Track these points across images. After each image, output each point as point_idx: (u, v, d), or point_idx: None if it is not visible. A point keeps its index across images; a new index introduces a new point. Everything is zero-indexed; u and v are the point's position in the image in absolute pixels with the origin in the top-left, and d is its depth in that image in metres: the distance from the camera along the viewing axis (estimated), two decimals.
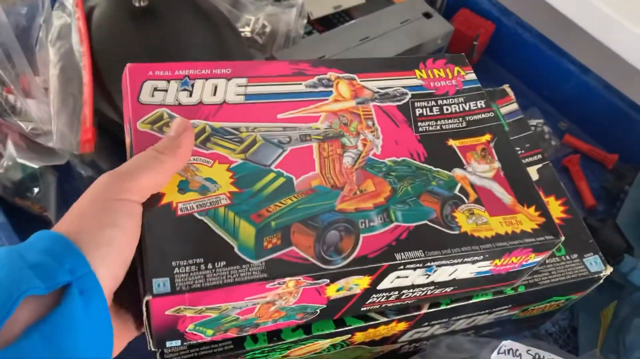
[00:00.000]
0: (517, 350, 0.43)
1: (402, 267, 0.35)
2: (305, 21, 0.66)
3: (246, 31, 0.67)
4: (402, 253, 0.35)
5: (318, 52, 0.63)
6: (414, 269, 0.36)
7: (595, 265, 0.44)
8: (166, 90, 0.39)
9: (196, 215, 0.34)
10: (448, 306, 0.42)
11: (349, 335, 0.41)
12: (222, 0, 0.68)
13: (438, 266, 0.36)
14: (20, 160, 0.51)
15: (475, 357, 0.44)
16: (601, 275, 0.44)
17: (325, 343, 0.42)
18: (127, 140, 0.38)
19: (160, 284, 0.32)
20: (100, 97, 0.55)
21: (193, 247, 0.33)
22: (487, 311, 0.45)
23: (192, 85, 0.40)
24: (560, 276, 0.43)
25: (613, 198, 0.65)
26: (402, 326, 0.43)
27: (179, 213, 0.34)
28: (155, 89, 0.39)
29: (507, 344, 0.43)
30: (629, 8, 0.61)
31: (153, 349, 0.36)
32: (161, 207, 0.34)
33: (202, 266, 0.33)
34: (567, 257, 0.44)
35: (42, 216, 0.56)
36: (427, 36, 0.67)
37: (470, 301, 0.42)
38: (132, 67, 0.39)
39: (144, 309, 0.33)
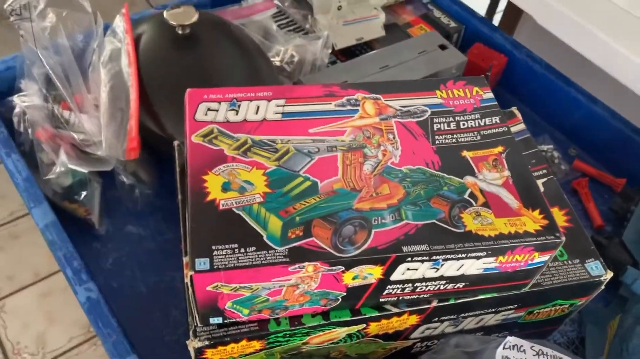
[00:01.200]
0: (521, 346, 0.46)
1: (409, 259, 0.40)
2: (329, 51, 0.72)
3: (276, 60, 0.73)
4: (408, 246, 0.39)
5: (341, 79, 0.68)
6: (422, 262, 0.40)
7: (596, 269, 0.48)
8: (217, 110, 0.45)
9: (234, 209, 0.40)
10: (456, 302, 0.46)
11: (364, 325, 0.46)
12: (256, 33, 0.75)
13: (444, 260, 0.40)
14: (71, 166, 0.57)
15: (482, 351, 0.48)
16: (602, 279, 0.48)
17: (341, 332, 0.46)
18: (186, 150, 0.44)
19: (202, 263, 0.37)
20: (144, 113, 0.61)
21: (230, 235, 0.39)
22: (493, 310, 0.49)
23: (239, 106, 0.46)
24: (562, 278, 0.47)
25: (620, 219, 0.68)
26: (414, 319, 0.47)
27: (221, 208, 0.40)
28: (209, 109, 0.45)
29: (511, 340, 0.46)
30: (631, 40, 0.66)
31: (199, 324, 0.41)
32: (206, 202, 0.40)
33: (236, 250, 0.38)
34: (569, 262, 0.48)
35: (87, 218, 0.62)
36: (443, 66, 0.72)
37: (477, 298, 0.46)
38: (191, 91, 0.46)
39: (189, 287, 0.38)
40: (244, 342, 0.43)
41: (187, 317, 0.43)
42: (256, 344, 0.44)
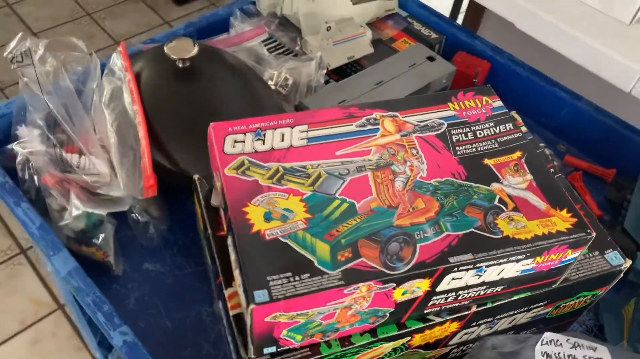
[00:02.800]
0: (557, 340, 0.48)
1: (455, 269, 0.41)
2: (324, 71, 0.74)
3: (270, 84, 0.74)
4: (454, 257, 0.41)
5: (339, 97, 0.70)
6: (466, 270, 0.42)
7: (616, 259, 0.51)
8: (244, 141, 0.46)
9: (280, 238, 0.41)
10: (494, 304, 0.47)
11: (409, 338, 0.47)
12: (247, 58, 0.75)
13: (487, 266, 0.42)
14: (88, 210, 0.57)
15: (521, 349, 0.50)
16: (622, 267, 0.50)
17: (388, 347, 0.47)
18: (218, 184, 0.44)
19: (261, 295, 0.37)
20: (153, 148, 0.61)
21: (282, 264, 0.39)
22: (525, 308, 0.50)
23: (264, 135, 0.46)
24: (587, 271, 0.49)
25: (616, 208, 0.72)
26: (454, 326, 0.48)
27: (267, 238, 0.40)
28: (235, 141, 0.46)
29: (548, 335, 0.48)
30: (610, 38, 0.70)
31: (252, 356, 0.41)
32: (252, 234, 0.40)
33: (291, 279, 0.38)
34: (590, 255, 0.51)
35: (104, 261, 0.61)
36: (433, 76, 0.75)
37: (512, 299, 0.48)
38: (214, 125, 0.46)
39: (248, 319, 0.38)
40: None
41: (230, 349, 0.43)
42: None
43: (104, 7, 2.26)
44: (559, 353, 0.48)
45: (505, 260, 0.42)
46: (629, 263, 0.51)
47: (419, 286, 0.41)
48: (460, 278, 0.42)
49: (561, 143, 0.80)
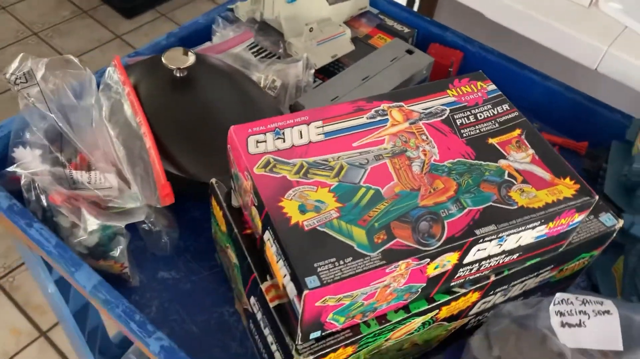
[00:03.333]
0: (568, 299, 0.53)
1: (481, 240, 0.45)
2: (313, 71, 0.76)
3: None
4: (480, 229, 0.44)
5: (331, 95, 0.73)
6: (490, 241, 0.45)
7: (609, 220, 0.55)
8: (265, 141, 0.48)
9: (318, 228, 0.43)
10: (510, 272, 0.51)
11: (437, 311, 0.50)
12: (234, 63, 0.77)
13: (508, 235, 0.46)
14: (106, 223, 0.57)
15: (536, 312, 0.54)
16: (615, 227, 0.55)
17: (418, 321, 0.50)
18: (249, 183, 0.46)
19: (312, 280, 0.40)
20: (160, 156, 0.62)
21: (324, 251, 0.42)
22: (535, 274, 0.55)
23: (283, 134, 0.49)
24: (586, 234, 0.54)
25: (592, 177, 0.77)
26: (475, 296, 0.52)
27: (306, 228, 0.43)
28: (257, 142, 0.48)
29: (559, 296, 0.53)
30: (573, 21, 0.75)
31: (300, 342, 0.43)
32: (292, 226, 0.43)
33: (336, 263, 0.41)
34: (587, 219, 0.55)
35: (122, 273, 0.62)
36: (415, 69, 0.78)
37: (525, 265, 0.52)
38: (235, 128, 0.48)
39: (299, 306, 0.40)
40: (340, 350, 0.46)
41: (259, 345, 0.45)
42: (349, 350, 0.47)
43: (49, 25, 2.21)
44: (570, 310, 0.53)
45: (523, 228, 0.46)
46: (621, 222, 0.56)
47: (449, 260, 0.45)
48: (485, 249, 0.46)
49: (535, 122, 0.85)
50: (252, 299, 0.52)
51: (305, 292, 0.39)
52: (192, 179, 0.62)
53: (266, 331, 0.50)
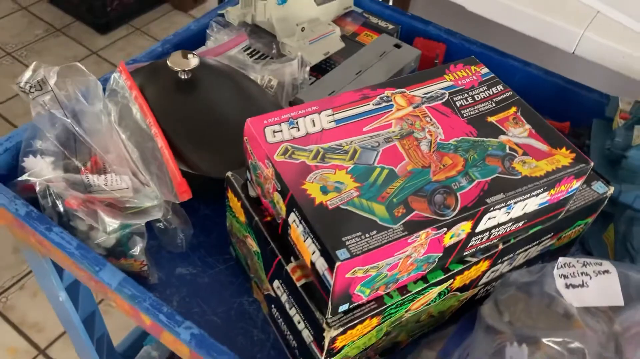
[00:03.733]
0: (569, 262, 0.57)
1: (491, 209, 0.48)
2: (308, 68, 0.79)
3: None
4: (490, 198, 0.48)
5: (328, 89, 0.76)
6: (500, 209, 0.49)
7: (601, 188, 0.60)
8: (281, 131, 0.51)
9: (341, 206, 0.46)
10: (516, 240, 0.55)
11: (451, 281, 0.53)
12: (231, 64, 0.80)
13: (515, 203, 0.49)
14: (126, 222, 0.59)
15: (540, 278, 0.57)
16: (607, 194, 0.59)
17: (435, 292, 0.53)
18: (270, 171, 0.49)
19: (342, 253, 0.43)
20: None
21: (350, 226, 0.44)
22: (537, 242, 0.58)
23: (297, 123, 0.51)
24: (581, 201, 0.58)
25: None
26: (485, 265, 0.55)
27: (330, 207, 0.46)
28: (274, 132, 0.50)
29: (561, 260, 0.56)
30: (549, 8, 0.80)
31: (329, 316, 0.46)
32: (317, 206, 0.45)
33: (362, 237, 0.44)
34: (581, 188, 0.59)
35: (141, 271, 0.63)
36: (404, 61, 0.82)
37: (529, 233, 0.55)
38: (251, 120, 0.51)
39: (330, 279, 0.43)
40: (366, 322, 0.49)
41: (280, 326, 0.48)
42: (374, 321, 0.50)
43: (23, 45, 2.19)
44: (573, 272, 0.57)
45: (528, 195, 0.49)
46: (612, 189, 0.60)
47: (463, 229, 0.48)
48: (494, 217, 0.49)
49: None
50: (276, 283, 0.54)
51: (337, 264, 0.42)
52: (204, 176, 0.64)
53: (292, 312, 0.53)
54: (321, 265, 0.44)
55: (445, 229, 0.46)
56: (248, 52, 0.84)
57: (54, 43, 2.22)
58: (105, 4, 2.22)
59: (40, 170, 0.64)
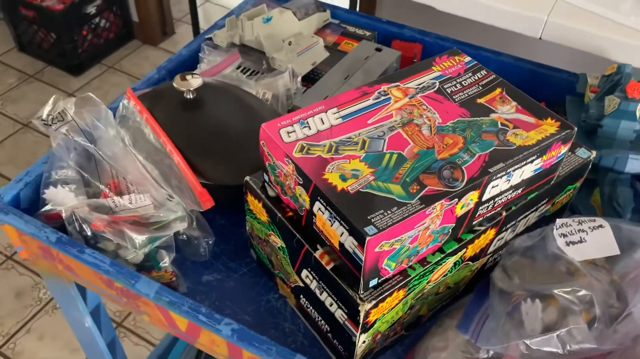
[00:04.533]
0: (566, 222, 0.62)
1: (494, 177, 0.53)
2: (300, 78, 0.84)
3: None
4: (492, 167, 0.53)
5: (322, 96, 0.81)
6: (501, 177, 0.54)
7: (584, 153, 0.66)
8: (295, 131, 0.55)
9: (361, 190, 0.51)
10: (516, 207, 0.60)
11: (464, 250, 0.58)
12: (226, 80, 0.84)
13: (514, 170, 0.55)
14: (154, 235, 0.63)
15: (541, 240, 0.63)
16: (590, 158, 0.65)
17: (450, 262, 0.58)
18: (290, 167, 0.53)
19: (370, 229, 0.47)
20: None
21: (372, 206, 0.49)
22: (534, 208, 0.64)
23: (308, 122, 0.56)
24: (568, 167, 0.64)
25: None
26: (492, 233, 0.60)
27: (351, 192, 0.50)
28: (288, 132, 0.55)
29: (559, 221, 0.62)
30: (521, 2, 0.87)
31: (362, 292, 0.50)
32: (340, 192, 0.50)
33: (385, 214, 0.49)
34: (567, 155, 0.65)
35: (171, 282, 0.67)
36: (387, 63, 0.88)
37: (527, 200, 0.61)
38: (265, 125, 0.56)
39: (361, 254, 0.48)
40: (394, 294, 0.53)
41: (311, 314, 0.53)
42: (401, 294, 0.54)
43: None
44: (571, 231, 0.62)
45: (524, 162, 0.55)
46: (594, 153, 0.66)
47: (472, 199, 0.53)
48: (497, 186, 0.55)
49: None
50: (304, 272, 0.58)
51: (367, 239, 0.47)
52: (220, 185, 0.68)
53: (323, 296, 0.57)
54: (351, 243, 0.49)
55: (457, 199, 0.52)
56: (240, 69, 0.89)
57: (29, 89, 2.24)
58: (75, 46, 2.26)
59: (63, 198, 0.67)
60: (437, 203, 0.50)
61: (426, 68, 0.64)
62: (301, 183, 0.53)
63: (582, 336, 0.54)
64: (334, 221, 0.50)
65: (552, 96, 0.91)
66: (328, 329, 0.59)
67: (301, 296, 0.62)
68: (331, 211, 0.50)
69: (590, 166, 0.67)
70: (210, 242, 0.69)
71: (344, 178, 0.52)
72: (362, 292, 0.52)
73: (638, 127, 0.76)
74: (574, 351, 0.54)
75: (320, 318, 0.60)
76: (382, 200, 0.50)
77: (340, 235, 0.50)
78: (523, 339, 0.55)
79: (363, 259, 0.48)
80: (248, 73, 0.89)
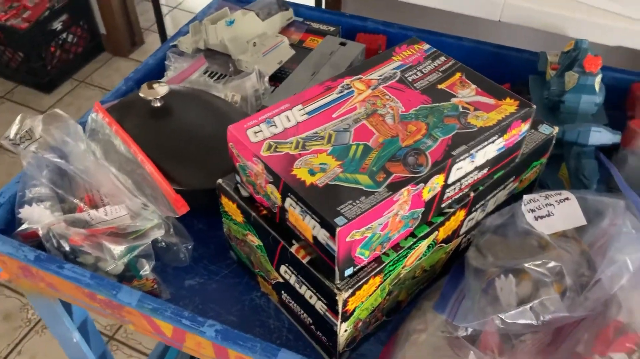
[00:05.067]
0: (534, 197, 0.64)
1: (458, 160, 0.55)
2: (267, 78, 0.85)
3: None
4: (454, 150, 0.55)
5: (290, 93, 0.82)
6: (464, 159, 0.55)
7: (547, 129, 0.68)
8: (261, 131, 0.56)
9: (329, 183, 0.52)
10: (484, 187, 0.62)
11: (436, 233, 0.60)
12: (194, 87, 0.85)
13: (477, 151, 0.56)
14: (132, 244, 0.63)
15: (511, 217, 0.64)
16: (553, 134, 0.67)
17: (424, 245, 0.59)
18: (260, 166, 0.54)
19: (340, 219, 0.48)
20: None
21: (340, 197, 0.51)
22: (503, 186, 0.65)
23: (274, 121, 0.57)
24: (532, 144, 0.66)
25: None
26: (462, 214, 0.62)
27: (320, 185, 0.52)
28: (255, 132, 0.56)
29: (526, 197, 0.64)
30: None
31: (338, 282, 0.52)
32: (308, 186, 0.51)
33: (353, 204, 0.50)
34: (530, 132, 0.67)
35: (153, 289, 0.67)
36: (352, 56, 0.89)
37: (493, 179, 0.62)
38: (232, 127, 0.57)
39: (334, 244, 0.49)
40: (370, 281, 0.55)
41: (293, 308, 0.54)
42: (377, 280, 0.56)
43: None
44: (538, 206, 0.64)
45: (486, 142, 0.56)
46: (556, 129, 0.68)
47: (438, 182, 0.55)
48: (461, 168, 0.56)
49: None
50: (283, 268, 0.59)
51: (338, 229, 0.48)
52: (194, 189, 0.69)
53: (302, 290, 0.58)
54: (323, 235, 0.50)
55: (423, 184, 0.53)
56: (207, 74, 0.89)
57: (0, 110, 2.21)
58: (44, 63, 2.24)
59: (39, 216, 0.68)
60: (403, 189, 0.51)
61: (387, 58, 0.66)
62: (271, 181, 0.54)
63: (555, 306, 0.55)
64: (306, 216, 0.51)
65: (516, 76, 0.93)
66: (310, 321, 0.60)
67: (282, 292, 0.63)
68: (302, 206, 0.51)
69: (554, 141, 0.69)
70: (190, 247, 0.70)
71: (312, 173, 0.53)
72: (338, 282, 0.53)
73: (598, 100, 0.78)
74: (548, 321, 0.56)
75: (302, 312, 0.61)
76: (351, 190, 0.51)
77: (313, 229, 0.51)
78: (498, 314, 0.56)
79: (336, 249, 0.50)
80: (215, 77, 0.90)
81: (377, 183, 0.52)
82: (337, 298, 0.53)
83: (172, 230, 0.68)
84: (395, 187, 0.51)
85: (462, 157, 0.55)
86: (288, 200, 0.53)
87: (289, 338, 0.65)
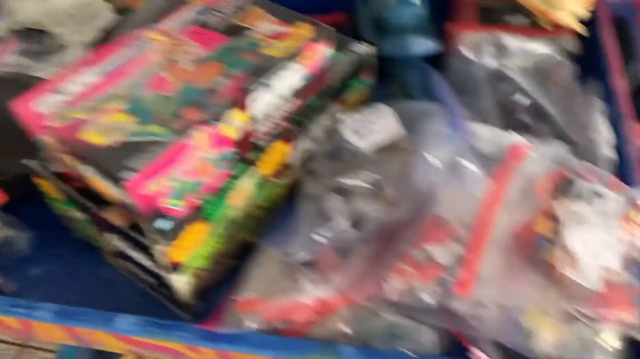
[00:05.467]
0: (352, 116, 0.65)
1: (252, 91, 0.54)
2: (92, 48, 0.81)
3: None
4: (250, 85, 0.54)
5: None
6: (259, 90, 0.55)
7: (359, 48, 0.68)
8: (51, 101, 0.54)
9: (126, 141, 0.50)
10: (300, 116, 0.62)
11: (255, 168, 0.59)
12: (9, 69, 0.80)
13: (272, 81, 0.56)
14: None
15: (338, 139, 0.65)
16: (368, 52, 0.68)
17: (249, 184, 0.59)
18: (53, 139, 0.52)
19: (127, 173, 0.47)
20: None
21: (136, 154, 0.49)
22: (324, 112, 0.66)
23: (64, 88, 0.55)
24: (346, 63, 0.66)
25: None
26: (283, 147, 0.62)
27: (115, 145, 0.50)
28: (44, 104, 0.54)
29: (344, 117, 0.64)
30: None
31: (151, 236, 0.51)
32: (99, 147, 0.50)
33: (144, 155, 0.49)
34: (344, 53, 0.67)
35: None
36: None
37: (310, 107, 0.63)
38: (16, 103, 0.54)
39: (129, 200, 0.48)
40: (191, 229, 0.54)
41: (137, 272, 0.54)
42: (202, 227, 0.55)
43: None
44: (357, 124, 0.65)
45: (281, 70, 0.56)
46: (372, 48, 0.69)
47: (239, 119, 0.54)
48: (264, 99, 0.56)
49: None
50: (109, 236, 0.58)
51: (124, 183, 0.47)
52: (11, 177, 0.66)
53: (133, 253, 0.57)
54: (118, 192, 0.49)
55: (216, 122, 0.52)
56: (25, 56, 0.84)
57: None
58: None
59: None
60: (194, 131, 0.51)
61: (185, 3, 0.64)
62: (67, 151, 0.52)
63: (376, 214, 0.57)
64: (102, 179, 0.50)
65: (344, 3, 0.92)
66: (154, 282, 0.60)
67: (120, 259, 0.62)
68: (94, 169, 0.50)
69: (375, 59, 0.70)
70: (26, 236, 0.67)
71: (104, 133, 0.51)
72: (151, 236, 0.52)
73: (418, 12, 0.79)
74: (375, 230, 0.58)
75: (142, 273, 0.60)
76: (147, 145, 0.50)
77: (110, 189, 0.50)
78: (329, 233, 0.57)
79: (133, 204, 0.48)
80: (38, 56, 0.85)
81: (172, 132, 0.51)
82: (152, 252, 0.52)
83: (1, 224, 0.65)
84: (185, 131, 0.50)
85: (254, 89, 0.55)
86: (82, 167, 0.51)
87: (141, 303, 0.64)
